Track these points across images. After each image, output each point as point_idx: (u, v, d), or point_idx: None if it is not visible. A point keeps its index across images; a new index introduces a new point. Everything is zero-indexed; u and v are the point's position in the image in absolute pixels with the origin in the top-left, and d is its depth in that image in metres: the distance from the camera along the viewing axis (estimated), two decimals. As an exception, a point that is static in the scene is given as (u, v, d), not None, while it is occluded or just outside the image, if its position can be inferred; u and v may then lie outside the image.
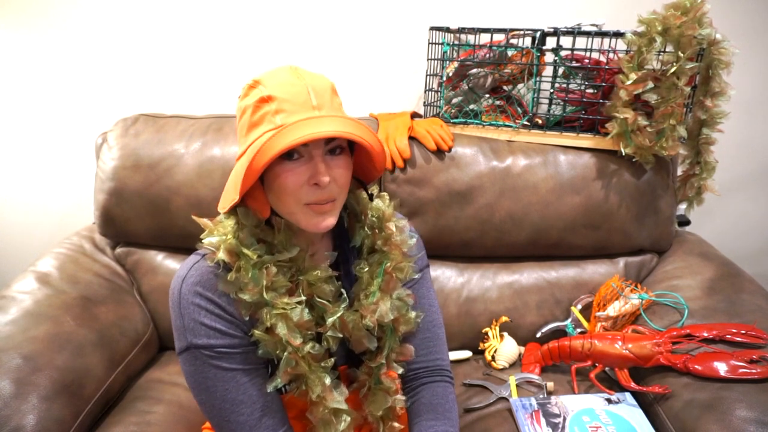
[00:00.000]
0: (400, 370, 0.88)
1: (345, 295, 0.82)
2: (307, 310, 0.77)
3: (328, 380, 0.78)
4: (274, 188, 0.74)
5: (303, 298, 0.77)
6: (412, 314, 0.87)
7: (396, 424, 0.87)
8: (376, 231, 0.86)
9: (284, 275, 0.76)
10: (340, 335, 0.80)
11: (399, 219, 0.90)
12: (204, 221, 0.80)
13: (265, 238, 0.77)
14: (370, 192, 0.86)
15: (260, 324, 0.76)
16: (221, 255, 0.74)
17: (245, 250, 0.75)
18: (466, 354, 1.34)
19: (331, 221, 0.76)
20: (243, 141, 0.75)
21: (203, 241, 0.78)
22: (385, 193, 0.91)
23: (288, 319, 0.75)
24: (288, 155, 0.72)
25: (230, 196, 0.74)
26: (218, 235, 0.76)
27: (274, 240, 0.77)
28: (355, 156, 0.81)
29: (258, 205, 0.76)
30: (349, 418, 0.80)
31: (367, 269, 0.84)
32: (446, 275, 1.39)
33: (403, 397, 0.88)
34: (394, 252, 0.85)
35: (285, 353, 0.75)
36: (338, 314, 0.79)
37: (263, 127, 0.72)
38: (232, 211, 0.77)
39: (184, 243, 1.34)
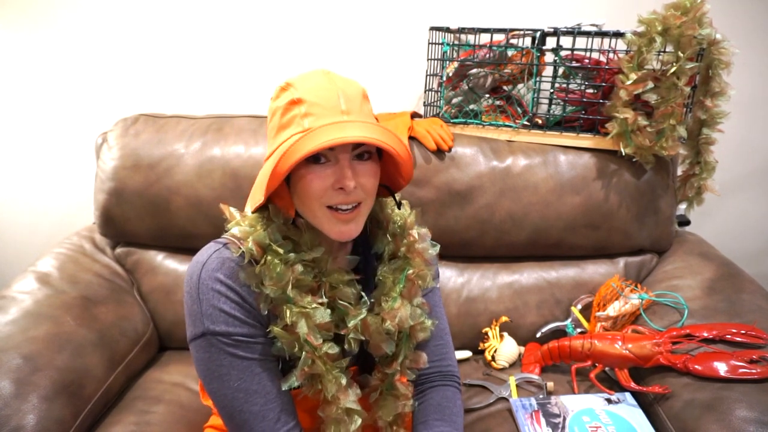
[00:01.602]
0: (413, 377, 0.88)
1: (366, 298, 0.82)
2: (329, 312, 0.77)
3: (344, 380, 0.78)
4: (298, 190, 0.74)
5: (325, 299, 0.77)
6: (429, 322, 0.87)
7: (403, 429, 0.88)
8: (399, 238, 0.86)
9: (308, 275, 0.76)
10: (362, 337, 0.80)
11: (419, 227, 0.90)
12: (231, 211, 0.80)
13: (291, 236, 0.77)
14: (398, 201, 0.86)
15: (280, 320, 0.75)
16: (250, 246, 0.74)
17: (273, 245, 0.75)
18: (466, 354, 1.34)
19: (355, 230, 0.76)
20: (272, 143, 0.75)
21: (230, 230, 0.78)
22: (407, 201, 0.91)
23: (309, 318, 0.75)
24: (315, 159, 0.72)
25: (256, 196, 0.75)
26: (246, 226, 0.77)
27: (300, 239, 0.77)
28: (382, 163, 0.81)
29: (284, 205, 0.76)
30: (360, 419, 0.80)
31: (389, 275, 0.83)
32: (446, 275, 1.39)
33: (412, 402, 0.88)
34: (417, 259, 0.86)
35: (302, 352, 0.75)
36: (361, 316, 0.79)
37: (291, 130, 0.72)
38: (262, 207, 0.77)
39: (184, 243, 1.34)
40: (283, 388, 0.77)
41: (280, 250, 0.75)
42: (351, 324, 0.78)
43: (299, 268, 0.75)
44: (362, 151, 0.74)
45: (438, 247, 0.91)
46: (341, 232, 0.75)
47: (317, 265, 0.78)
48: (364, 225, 0.85)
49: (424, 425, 0.87)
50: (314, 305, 0.75)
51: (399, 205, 0.86)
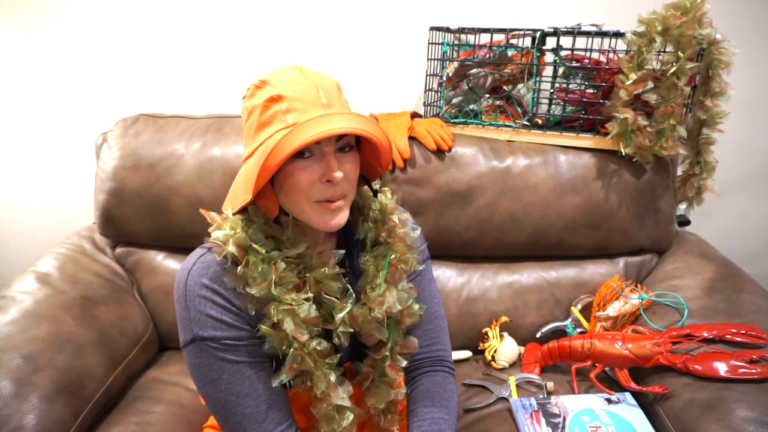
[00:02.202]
0: (404, 363, 0.88)
1: (351, 290, 0.83)
2: (314, 307, 0.77)
3: (333, 377, 0.79)
4: (285, 187, 0.74)
5: (310, 294, 0.77)
6: (416, 306, 0.88)
7: (396, 417, 0.89)
8: (380, 224, 0.86)
9: (292, 271, 0.77)
10: (351, 330, 0.81)
11: (401, 212, 0.90)
12: (212, 215, 0.80)
13: (273, 235, 0.77)
14: (374, 189, 0.87)
15: (267, 319, 0.76)
16: (230, 249, 0.74)
17: (254, 245, 0.75)
18: (466, 354, 1.34)
19: (342, 219, 0.76)
20: (251, 141, 0.75)
21: (211, 234, 0.78)
22: (387, 188, 0.91)
23: (295, 315, 0.75)
24: (299, 154, 0.72)
25: (240, 196, 0.74)
26: (226, 229, 0.77)
27: (282, 236, 0.78)
28: (360, 153, 0.82)
29: (267, 204, 0.76)
30: (352, 415, 0.80)
31: (372, 262, 0.84)
32: (446, 275, 1.39)
33: (405, 390, 0.89)
34: (398, 244, 0.86)
35: (291, 349, 0.76)
36: (346, 310, 0.79)
37: (274, 126, 0.72)
38: (242, 209, 0.77)
39: (184, 243, 1.34)
40: (274, 385, 0.78)
41: (261, 250, 0.75)
42: (338, 318, 0.79)
43: (282, 265, 0.75)
44: (344, 143, 0.75)
45: (419, 230, 0.92)
46: (329, 222, 0.75)
47: (302, 260, 0.78)
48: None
49: (414, 413, 0.87)
50: (299, 301, 0.76)
51: (375, 193, 0.87)
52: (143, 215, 1.31)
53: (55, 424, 0.95)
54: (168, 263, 1.38)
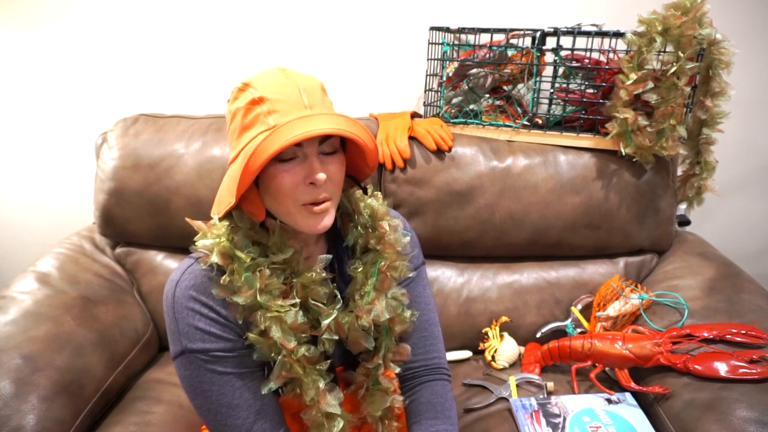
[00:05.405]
0: (398, 370, 0.88)
1: (339, 296, 0.82)
2: (301, 313, 0.76)
3: (322, 384, 0.78)
4: (270, 190, 0.74)
5: (297, 300, 0.77)
6: (407, 313, 0.87)
7: (395, 424, 0.88)
8: (369, 230, 0.86)
9: (278, 278, 0.76)
10: (336, 337, 0.80)
11: (392, 218, 0.89)
12: (198, 224, 0.79)
13: (259, 240, 0.77)
14: (364, 187, 0.86)
15: (254, 327, 0.75)
16: (214, 258, 0.74)
17: (238, 253, 0.74)
18: (466, 354, 1.34)
19: (328, 221, 0.76)
20: (235, 144, 0.75)
21: (196, 243, 0.77)
22: (379, 192, 0.91)
23: (282, 322, 0.75)
24: (282, 156, 0.72)
25: (225, 200, 0.73)
26: (212, 237, 0.76)
27: (269, 242, 0.77)
28: (347, 154, 0.81)
29: (253, 208, 0.75)
30: (342, 422, 0.80)
31: (361, 269, 0.83)
32: (446, 275, 1.39)
33: (401, 397, 0.89)
34: (388, 251, 0.85)
35: (279, 356, 0.75)
36: (332, 316, 0.79)
37: (256, 129, 0.71)
38: (227, 215, 0.77)
39: (184, 243, 1.34)
40: (263, 392, 0.77)
41: (246, 258, 0.74)
42: (323, 324, 0.78)
43: (267, 272, 0.75)
44: (328, 146, 0.74)
45: (410, 236, 0.91)
46: (315, 225, 0.75)
47: (288, 266, 0.78)
48: (336, 219, 0.85)
49: (418, 426, 0.86)
50: (286, 308, 0.75)
51: (365, 190, 0.86)
52: (143, 215, 1.31)
53: (55, 424, 0.95)
54: (168, 263, 1.38)
